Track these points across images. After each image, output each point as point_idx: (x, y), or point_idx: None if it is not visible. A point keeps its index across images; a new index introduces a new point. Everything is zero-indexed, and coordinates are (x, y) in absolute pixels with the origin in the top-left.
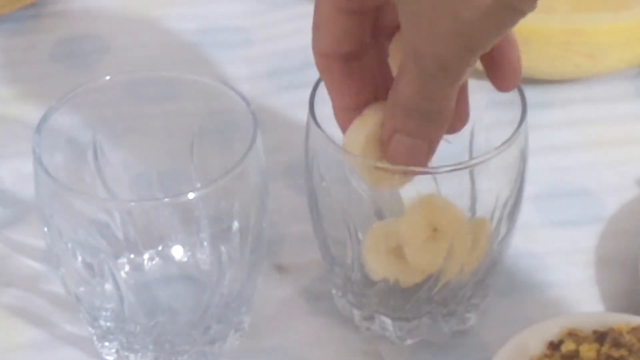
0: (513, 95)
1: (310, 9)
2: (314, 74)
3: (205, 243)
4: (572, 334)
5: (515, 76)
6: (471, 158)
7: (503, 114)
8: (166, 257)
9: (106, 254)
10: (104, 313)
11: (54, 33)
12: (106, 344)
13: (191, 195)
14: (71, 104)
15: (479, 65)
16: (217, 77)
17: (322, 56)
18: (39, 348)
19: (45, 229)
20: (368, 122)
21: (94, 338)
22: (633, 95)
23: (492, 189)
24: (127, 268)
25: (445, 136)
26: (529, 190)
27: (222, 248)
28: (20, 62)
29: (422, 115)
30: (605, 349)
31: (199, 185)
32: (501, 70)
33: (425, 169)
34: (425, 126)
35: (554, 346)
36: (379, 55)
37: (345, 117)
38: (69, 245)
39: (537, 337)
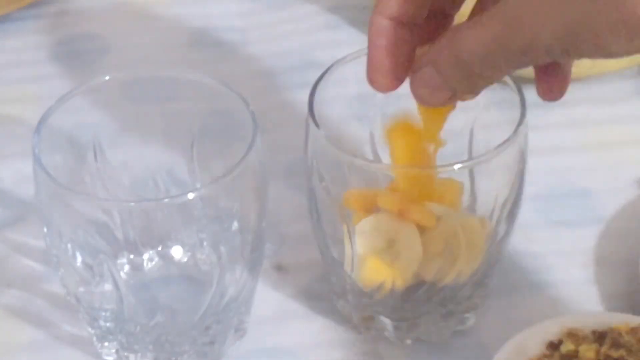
0: (512, 95)
1: (308, 9)
2: (313, 73)
3: (205, 243)
4: (572, 334)
5: (564, 87)
6: (470, 158)
7: (503, 114)
8: (166, 257)
9: (106, 255)
10: (103, 313)
11: (54, 33)
12: (106, 344)
13: (191, 195)
14: (71, 104)
15: None
16: (217, 77)
17: (385, 19)
18: (39, 348)
19: (45, 229)
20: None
21: (94, 338)
22: (633, 95)
23: (491, 189)
24: (126, 268)
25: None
26: (528, 190)
27: (222, 248)
28: (20, 62)
29: (466, 72)
30: (604, 349)
31: (198, 185)
32: (553, 78)
33: (425, 168)
34: (462, 80)
35: (554, 346)
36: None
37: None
38: (69, 245)
39: (537, 337)
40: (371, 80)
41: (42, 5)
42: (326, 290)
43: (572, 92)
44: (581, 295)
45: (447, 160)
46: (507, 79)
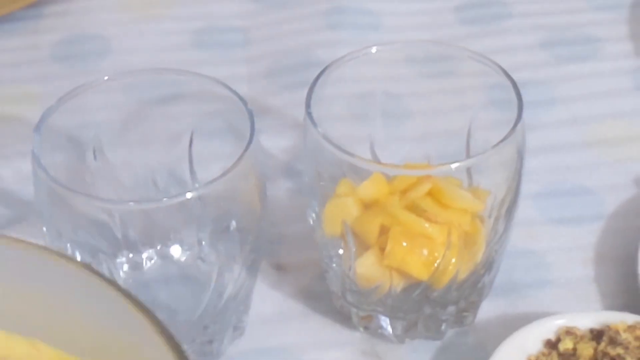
0: (510, 94)
1: (308, 9)
2: (312, 73)
3: (204, 243)
4: (570, 333)
5: None
6: (468, 157)
7: (500, 113)
8: (165, 257)
9: (105, 254)
10: None
11: (54, 33)
12: None
13: (190, 195)
14: (71, 104)
15: (478, 65)
16: (217, 77)
17: None
18: None
19: (45, 229)
20: None
21: None
22: (633, 92)
23: (489, 188)
24: (126, 267)
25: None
26: (528, 188)
27: (221, 248)
28: (20, 62)
29: None
30: (602, 347)
31: (198, 185)
32: None
33: (423, 169)
34: None
35: (552, 344)
36: None
37: None
38: (69, 245)
39: (535, 335)
40: None
41: (42, 5)
42: (325, 290)
43: (572, 89)
44: (580, 293)
45: (445, 160)
46: (504, 78)
